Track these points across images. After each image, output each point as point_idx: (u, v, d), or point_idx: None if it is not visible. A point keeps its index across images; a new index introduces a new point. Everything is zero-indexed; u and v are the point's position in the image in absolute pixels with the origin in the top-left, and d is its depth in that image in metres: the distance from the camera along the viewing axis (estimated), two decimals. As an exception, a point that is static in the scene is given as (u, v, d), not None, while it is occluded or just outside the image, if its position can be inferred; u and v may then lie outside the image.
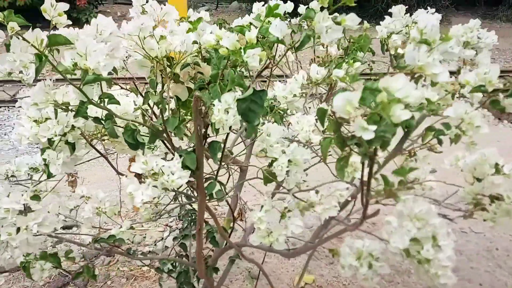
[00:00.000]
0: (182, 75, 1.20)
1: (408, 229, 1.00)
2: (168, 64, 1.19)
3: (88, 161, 1.45)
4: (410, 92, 0.76)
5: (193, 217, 1.71)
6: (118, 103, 1.08)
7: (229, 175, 1.57)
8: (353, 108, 0.76)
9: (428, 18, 0.96)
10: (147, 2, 2.06)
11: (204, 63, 1.20)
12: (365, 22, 1.63)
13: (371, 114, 0.75)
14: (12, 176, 1.45)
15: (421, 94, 0.76)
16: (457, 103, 1.03)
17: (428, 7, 1.64)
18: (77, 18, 9.08)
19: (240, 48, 0.96)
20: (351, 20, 0.92)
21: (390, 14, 1.67)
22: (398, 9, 1.62)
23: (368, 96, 0.75)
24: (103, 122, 1.09)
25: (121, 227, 1.63)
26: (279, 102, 1.37)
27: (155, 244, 2.58)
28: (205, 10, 2.12)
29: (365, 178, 0.89)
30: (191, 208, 1.70)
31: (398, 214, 0.97)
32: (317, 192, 1.18)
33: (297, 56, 1.92)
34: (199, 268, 1.49)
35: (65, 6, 1.09)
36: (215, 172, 1.28)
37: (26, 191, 1.16)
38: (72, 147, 1.15)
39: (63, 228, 1.71)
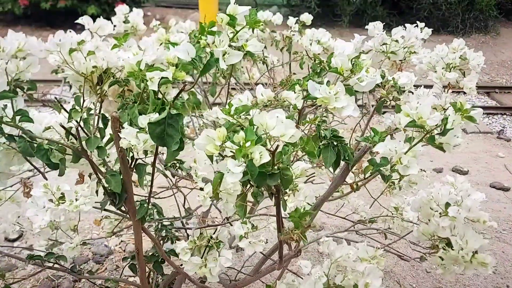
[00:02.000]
0: (110, 93, 1.14)
1: (320, 276, 0.90)
2: (99, 82, 1.14)
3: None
4: (285, 130, 0.66)
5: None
6: (30, 120, 1.03)
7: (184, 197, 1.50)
8: (216, 148, 0.67)
9: (344, 45, 0.85)
10: (130, 11, 2.02)
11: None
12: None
13: (235, 152, 0.66)
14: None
15: (298, 132, 0.66)
16: (389, 139, 0.91)
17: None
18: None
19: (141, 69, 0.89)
20: (254, 46, 0.82)
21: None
22: (373, 25, 1.50)
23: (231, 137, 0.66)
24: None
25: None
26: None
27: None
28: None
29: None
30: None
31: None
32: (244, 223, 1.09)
33: (270, 72, 1.83)
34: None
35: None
36: (148, 195, 1.21)
37: None
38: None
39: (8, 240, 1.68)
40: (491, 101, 6.12)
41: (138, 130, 0.99)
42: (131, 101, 1.08)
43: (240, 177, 0.66)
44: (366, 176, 1.05)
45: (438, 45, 1.55)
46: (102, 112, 1.15)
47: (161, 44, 1.66)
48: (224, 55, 0.82)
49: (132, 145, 0.96)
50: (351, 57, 0.84)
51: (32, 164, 1.22)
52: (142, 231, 1.24)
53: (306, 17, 2.02)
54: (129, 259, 1.50)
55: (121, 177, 1.12)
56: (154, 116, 0.99)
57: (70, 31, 1.13)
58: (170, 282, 1.55)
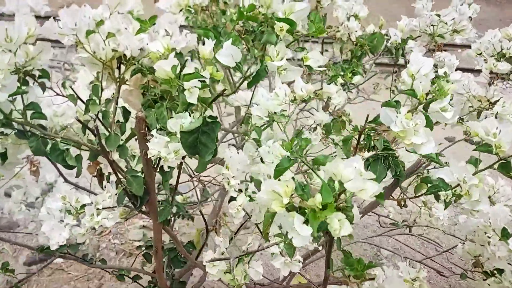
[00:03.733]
0: (132, 83, 1.00)
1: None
2: (119, 66, 0.99)
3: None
4: (364, 184, 0.55)
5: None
6: (44, 117, 0.90)
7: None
8: (281, 205, 0.56)
9: (421, 61, 0.70)
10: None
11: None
12: (381, 17, 1.36)
13: (310, 218, 0.54)
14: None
15: (378, 188, 0.54)
16: (456, 164, 0.79)
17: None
18: None
19: (177, 76, 0.75)
20: (315, 60, 0.68)
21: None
22: (422, 4, 1.33)
23: (302, 192, 0.54)
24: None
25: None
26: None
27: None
28: None
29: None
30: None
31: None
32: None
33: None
34: (160, 283, 1.35)
35: None
36: (171, 196, 1.10)
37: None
38: (2, 157, 0.99)
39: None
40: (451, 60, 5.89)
41: (167, 137, 0.86)
42: (157, 95, 0.95)
43: (309, 240, 0.55)
44: (417, 194, 0.94)
45: (490, 30, 1.39)
46: (122, 102, 1.02)
47: (180, 10, 1.49)
48: (280, 69, 0.68)
49: (162, 157, 0.84)
50: (429, 75, 0.70)
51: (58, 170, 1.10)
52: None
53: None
54: (143, 248, 1.41)
55: (143, 177, 1.01)
56: (186, 120, 0.86)
57: (85, 6, 0.98)
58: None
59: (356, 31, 1.39)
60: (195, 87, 0.73)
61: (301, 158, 0.59)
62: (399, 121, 0.65)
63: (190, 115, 0.86)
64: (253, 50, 1.20)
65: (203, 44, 0.87)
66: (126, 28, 0.94)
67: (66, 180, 1.18)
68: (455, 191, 0.83)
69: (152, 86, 0.99)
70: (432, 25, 1.32)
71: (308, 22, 0.69)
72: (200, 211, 1.39)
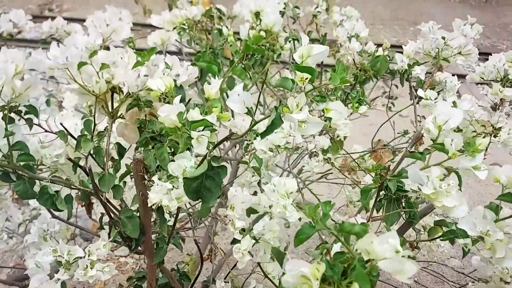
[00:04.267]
0: (128, 117, 0.92)
1: None
2: (112, 97, 0.92)
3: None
4: (402, 266, 0.49)
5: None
6: (32, 159, 0.82)
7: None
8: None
9: (449, 112, 0.65)
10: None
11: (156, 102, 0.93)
12: (385, 41, 1.31)
13: None
14: None
15: (416, 269, 0.49)
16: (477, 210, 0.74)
17: None
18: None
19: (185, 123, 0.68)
20: (338, 112, 0.62)
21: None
22: (428, 27, 1.29)
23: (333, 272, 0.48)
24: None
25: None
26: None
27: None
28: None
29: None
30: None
31: None
32: None
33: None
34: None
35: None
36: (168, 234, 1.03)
37: None
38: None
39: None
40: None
41: (167, 179, 0.79)
42: (155, 132, 0.88)
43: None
44: (431, 238, 0.90)
45: (495, 54, 1.35)
46: (116, 134, 0.95)
47: (174, 28, 1.41)
48: (301, 123, 0.61)
49: (164, 205, 0.77)
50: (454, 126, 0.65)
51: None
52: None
53: (334, -6, 1.78)
54: (134, 280, 1.34)
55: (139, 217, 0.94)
56: (189, 163, 0.79)
57: (75, 33, 0.91)
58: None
59: (358, 52, 1.34)
60: (204, 135, 0.66)
61: (327, 229, 0.54)
62: (431, 183, 0.59)
63: (191, 154, 0.80)
64: (254, 76, 1.14)
65: (200, 76, 0.81)
66: (121, 58, 0.87)
67: (53, 216, 1.10)
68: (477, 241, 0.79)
69: (149, 120, 0.93)
70: (437, 48, 1.28)
71: (331, 72, 0.63)
72: (195, 240, 1.33)
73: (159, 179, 0.83)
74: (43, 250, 0.77)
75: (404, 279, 0.50)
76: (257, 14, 1.49)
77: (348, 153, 1.40)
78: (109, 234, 0.94)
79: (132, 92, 0.84)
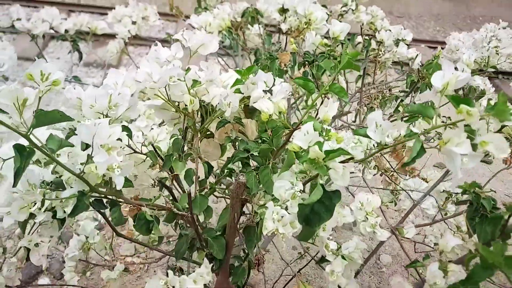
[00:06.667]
0: (217, 135, 0.88)
1: None
2: (200, 116, 0.88)
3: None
4: None
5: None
6: (131, 185, 0.77)
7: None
8: None
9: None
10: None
11: (247, 119, 0.89)
12: (439, 47, 1.30)
13: None
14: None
15: None
16: None
17: None
18: None
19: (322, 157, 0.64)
20: (498, 148, 0.60)
21: None
22: (483, 35, 1.29)
23: None
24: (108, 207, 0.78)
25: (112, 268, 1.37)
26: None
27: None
28: None
29: None
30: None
31: None
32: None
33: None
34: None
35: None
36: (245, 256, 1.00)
37: None
38: (61, 222, 0.84)
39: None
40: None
41: (281, 209, 0.76)
42: (251, 151, 0.84)
43: None
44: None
45: None
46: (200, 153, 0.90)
47: (220, 32, 1.35)
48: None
49: (280, 233, 0.74)
50: None
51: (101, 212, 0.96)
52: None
53: (361, -8, 1.76)
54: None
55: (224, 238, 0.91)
56: (298, 187, 0.76)
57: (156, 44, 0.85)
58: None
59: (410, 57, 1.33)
60: (345, 167, 0.64)
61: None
62: None
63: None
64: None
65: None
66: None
67: (118, 234, 1.04)
68: None
69: (238, 137, 0.89)
70: (488, 56, 1.29)
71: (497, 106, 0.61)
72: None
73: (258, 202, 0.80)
74: (151, 283, 0.73)
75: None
76: (284, 10, 1.45)
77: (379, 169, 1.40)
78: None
79: (231, 112, 0.80)
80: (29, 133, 0.59)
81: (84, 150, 0.66)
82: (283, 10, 1.50)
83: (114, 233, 0.95)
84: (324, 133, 0.71)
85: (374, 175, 1.38)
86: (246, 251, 1.00)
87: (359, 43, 1.46)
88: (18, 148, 0.58)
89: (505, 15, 7.04)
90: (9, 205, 0.63)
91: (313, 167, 0.65)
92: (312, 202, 0.73)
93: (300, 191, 0.76)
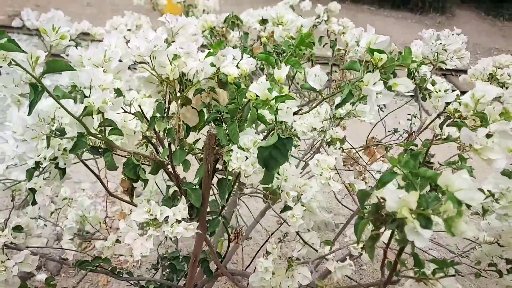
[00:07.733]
0: (194, 101, 1.05)
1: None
2: (179, 86, 1.05)
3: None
4: (472, 194, 0.65)
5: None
6: (120, 133, 0.94)
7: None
8: (409, 212, 0.65)
9: (487, 89, 0.83)
10: None
11: (220, 88, 1.06)
12: (393, 44, 1.50)
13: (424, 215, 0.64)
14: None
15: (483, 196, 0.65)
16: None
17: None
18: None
19: (271, 99, 0.82)
20: (405, 86, 0.78)
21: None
22: (429, 34, 1.49)
23: (428, 201, 0.64)
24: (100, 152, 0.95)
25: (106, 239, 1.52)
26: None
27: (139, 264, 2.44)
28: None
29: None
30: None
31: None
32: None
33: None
34: (188, 294, 1.39)
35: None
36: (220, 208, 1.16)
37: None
38: (63, 172, 1.01)
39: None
40: (449, 84, 6.42)
41: (243, 152, 0.93)
42: (222, 112, 1.02)
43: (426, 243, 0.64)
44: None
45: (483, 58, 1.57)
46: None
47: (203, 32, 1.55)
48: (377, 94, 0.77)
49: (242, 170, 0.90)
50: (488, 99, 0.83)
51: (90, 169, 1.12)
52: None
53: (334, 6, 1.98)
54: (168, 259, 1.44)
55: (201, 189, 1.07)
56: (258, 137, 0.94)
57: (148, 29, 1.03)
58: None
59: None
60: (290, 107, 0.81)
61: (406, 175, 0.69)
62: (479, 140, 0.76)
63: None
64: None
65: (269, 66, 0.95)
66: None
67: (110, 194, 1.19)
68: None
69: (212, 104, 1.06)
70: (436, 52, 1.48)
71: (402, 54, 0.79)
72: (223, 222, 1.45)
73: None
74: (137, 211, 0.88)
75: (475, 204, 0.65)
76: (263, 21, 1.66)
77: (343, 149, 1.57)
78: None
79: (204, 79, 0.98)
80: (40, 78, 0.77)
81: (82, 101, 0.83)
82: (263, 21, 1.71)
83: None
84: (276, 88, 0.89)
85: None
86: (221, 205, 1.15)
87: (326, 43, 1.66)
88: (33, 86, 0.75)
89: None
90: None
91: (264, 107, 0.82)
92: (269, 145, 0.90)
93: (260, 140, 0.93)
